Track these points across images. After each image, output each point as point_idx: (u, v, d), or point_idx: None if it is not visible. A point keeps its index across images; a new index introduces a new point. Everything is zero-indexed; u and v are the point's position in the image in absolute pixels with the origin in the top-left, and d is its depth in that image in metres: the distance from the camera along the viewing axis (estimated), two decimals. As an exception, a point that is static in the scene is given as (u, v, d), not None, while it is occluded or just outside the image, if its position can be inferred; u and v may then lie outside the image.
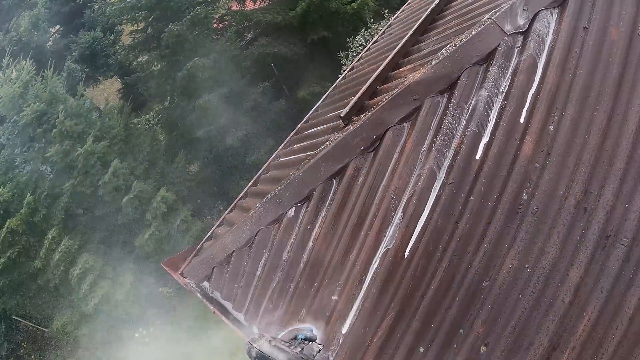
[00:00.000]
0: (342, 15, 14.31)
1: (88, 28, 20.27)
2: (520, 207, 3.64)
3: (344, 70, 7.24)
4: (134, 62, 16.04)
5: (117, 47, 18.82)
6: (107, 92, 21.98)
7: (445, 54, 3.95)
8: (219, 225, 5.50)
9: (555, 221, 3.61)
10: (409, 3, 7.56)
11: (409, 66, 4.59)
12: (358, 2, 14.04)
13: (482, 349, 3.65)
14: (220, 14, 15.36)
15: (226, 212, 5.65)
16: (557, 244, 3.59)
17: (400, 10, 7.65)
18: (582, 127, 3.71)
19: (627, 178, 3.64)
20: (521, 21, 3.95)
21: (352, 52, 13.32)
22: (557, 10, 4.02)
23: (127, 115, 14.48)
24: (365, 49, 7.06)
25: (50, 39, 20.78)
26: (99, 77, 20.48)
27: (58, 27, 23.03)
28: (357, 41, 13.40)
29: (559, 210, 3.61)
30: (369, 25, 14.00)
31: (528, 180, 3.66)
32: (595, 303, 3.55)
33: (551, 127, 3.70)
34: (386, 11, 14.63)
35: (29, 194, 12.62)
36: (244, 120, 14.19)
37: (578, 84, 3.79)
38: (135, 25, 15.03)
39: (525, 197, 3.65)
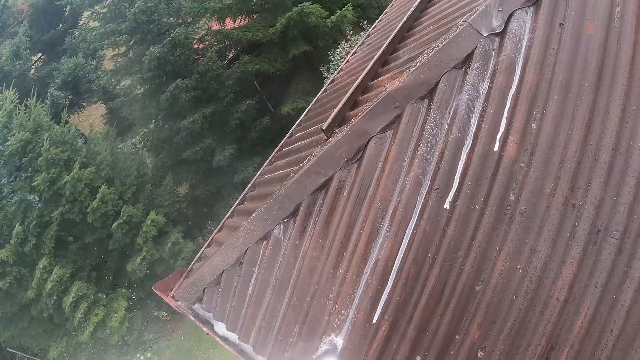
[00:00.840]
0: (322, 29, 14.37)
1: (70, 54, 20.32)
2: (508, 207, 3.62)
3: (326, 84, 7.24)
4: (117, 87, 16.06)
5: (100, 73, 18.89)
6: (91, 117, 21.97)
7: (423, 60, 3.94)
8: (208, 246, 5.45)
9: (544, 219, 3.58)
10: (386, 12, 7.59)
11: (388, 74, 4.57)
12: (337, 15, 14.11)
13: (480, 354, 3.61)
14: (200, 35, 15.42)
15: (214, 232, 5.61)
16: (548, 242, 3.56)
17: (378, 20, 7.68)
18: (564, 123, 3.69)
19: (614, 170, 3.62)
20: (496, 22, 3.95)
21: (334, 64, 13.39)
22: (532, 9, 4.02)
23: (113, 140, 14.48)
24: (345, 60, 7.07)
25: (33, 67, 20.78)
26: (83, 103, 20.51)
27: (40, 54, 23.08)
28: (337, 54, 13.48)
29: (547, 209, 3.59)
30: (349, 37, 14.08)
31: (514, 181, 3.63)
32: (591, 299, 3.52)
33: (533, 125, 3.68)
34: (365, 22, 14.70)
35: (17, 224, 12.51)
36: (229, 139, 14.23)
37: (557, 80, 3.77)
38: (117, 49, 15.05)
39: (512, 197, 3.62)
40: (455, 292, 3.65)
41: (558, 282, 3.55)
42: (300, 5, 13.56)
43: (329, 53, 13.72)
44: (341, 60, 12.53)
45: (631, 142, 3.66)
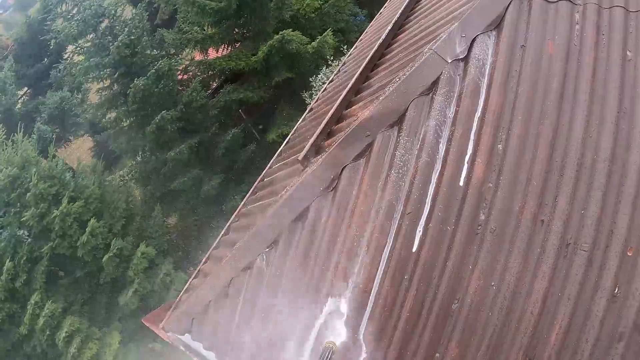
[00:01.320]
0: (303, 55, 14.53)
1: (55, 88, 20.39)
2: (479, 227, 3.74)
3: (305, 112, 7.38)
4: (103, 120, 16.10)
5: (86, 106, 18.94)
6: (79, 151, 21.97)
7: (392, 89, 4.09)
8: (196, 277, 5.54)
9: (515, 237, 3.71)
10: (361, 39, 7.76)
11: (360, 103, 4.73)
12: (317, 41, 14.29)
13: (460, 370, 3.71)
14: (184, 65, 15.55)
15: (201, 263, 5.70)
16: (519, 258, 3.69)
17: (354, 47, 7.84)
18: (529, 142, 3.83)
19: (580, 185, 3.76)
20: (460, 48, 4.10)
21: (316, 90, 13.51)
22: (494, 33, 4.18)
23: (100, 173, 14.48)
24: (322, 89, 7.22)
25: (19, 101, 20.81)
26: (70, 137, 20.51)
27: (26, 89, 23.14)
28: (319, 79, 13.60)
29: (516, 226, 3.72)
30: (330, 62, 14.25)
31: (483, 201, 3.77)
32: (565, 311, 3.64)
33: (500, 146, 3.82)
34: (345, 47, 14.90)
35: (8, 260, 12.41)
36: (217, 168, 14.31)
37: (521, 101, 3.92)
38: (102, 82, 15.14)
39: (482, 217, 3.75)
40: (432, 312, 3.77)
41: (531, 297, 3.67)
42: (281, 32, 13.74)
43: (310, 79, 13.86)
44: (322, 85, 12.75)
45: (595, 156, 3.80)
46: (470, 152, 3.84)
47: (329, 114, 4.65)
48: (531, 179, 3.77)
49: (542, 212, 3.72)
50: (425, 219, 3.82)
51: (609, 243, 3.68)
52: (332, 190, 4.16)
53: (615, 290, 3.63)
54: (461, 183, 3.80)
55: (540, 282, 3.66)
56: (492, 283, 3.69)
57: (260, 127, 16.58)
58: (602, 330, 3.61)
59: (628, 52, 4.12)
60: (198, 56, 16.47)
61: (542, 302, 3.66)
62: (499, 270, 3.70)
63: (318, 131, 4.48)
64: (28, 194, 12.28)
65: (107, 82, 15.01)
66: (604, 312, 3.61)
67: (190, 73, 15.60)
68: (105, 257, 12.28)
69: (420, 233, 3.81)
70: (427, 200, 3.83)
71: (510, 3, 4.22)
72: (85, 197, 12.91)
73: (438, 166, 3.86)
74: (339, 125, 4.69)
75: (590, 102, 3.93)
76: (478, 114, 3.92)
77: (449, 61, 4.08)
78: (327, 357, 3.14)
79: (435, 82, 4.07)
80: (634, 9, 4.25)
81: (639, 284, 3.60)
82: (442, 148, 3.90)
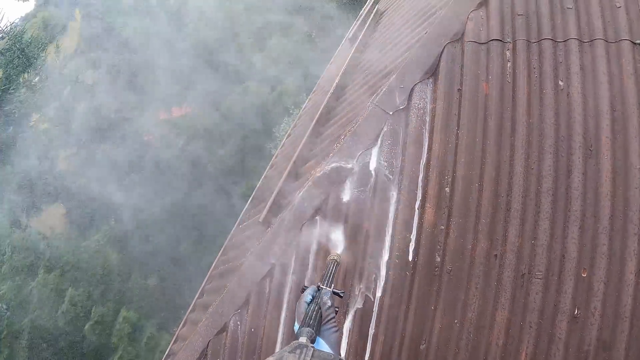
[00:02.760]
0: (265, 107, 14.75)
1: (23, 157, 20.31)
2: (436, 269, 3.91)
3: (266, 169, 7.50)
4: (74, 185, 16.10)
5: (55, 173, 18.89)
6: (52, 218, 21.74)
7: (340, 145, 4.28)
8: (175, 342, 5.60)
9: (471, 274, 3.88)
10: (314, 91, 7.96)
11: (313, 160, 4.91)
12: (277, 90, 14.57)
13: (434, 410, 3.83)
14: (148, 126, 15.66)
15: (179, 328, 5.76)
16: (478, 293, 3.85)
17: (308, 99, 8.04)
18: (474, 182, 4.03)
19: (527, 217, 3.94)
20: (400, 99, 4.32)
21: (279, 140, 13.65)
22: (430, 80, 4.41)
23: (75, 240, 14.45)
24: (281, 144, 7.39)
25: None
26: (42, 205, 20.39)
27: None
28: (282, 129, 13.82)
29: (471, 263, 3.89)
30: (291, 112, 14.51)
31: (437, 244, 3.94)
32: (528, 338, 3.79)
33: (447, 189, 4.02)
34: (305, 94, 15.17)
35: (-13, 337, 12.31)
36: (191, 225, 14.36)
37: (462, 143, 4.12)
38: (68, 150, 15.22)
39: (438, 259, 3.92)
40: (402, 355, 3.90)
41: (494, 329, 3.82)
42: (241, 86, 14.00)
43: (274, 130, 14.10)
44: (284, 134, 12.90)
45: (539, 186, 3.99)
46: (420, 198, 4.02)
47: (285, 174, 4.82)
48: (480, 217, 3.95)
49: (494, 247, 3.90)
50: (384, 269, 3.98)
51: (562, 268, 3.84)
52: (293, 248, 4.31)
53: (575, 311, 3.78)
54: (414, 229, 3.97)
55: (501, 313, 3.81)
56: (455, 320, 3.84)
57: (230, 181, 16.69)
58: (567, 352, 3.75)
59: (560, 82, 4.33)
60: (163, 115, 16.65)
61: (505, 332, 3.80)
62: (460, 307, 3.85)
63: (275, 191, 4.64)
64: (3, 267, 12.24)
65: (74, 149, 15.11)
66: (567, 334, 3.76)
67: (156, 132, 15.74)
68: (87, 325, 12.21)
69: (382, 283, 3.97)
70: (384, 249, 3.99)
71: (443, 50, 4.46)
72: (61, 265, 12.87)
73: (392, 215, 4.04)
74: (296, 183, 4.86)
75: (528, 136, 4.13)
76: (423, 160, 4.11)
77: (391, 113, 4.28)
78: (333, 268, 3.14)
79: (379, 135, 4.26)
80: (561, 39, 4.47)
81: (597, 302, 3.76)
82: (393, 197, 4.08)
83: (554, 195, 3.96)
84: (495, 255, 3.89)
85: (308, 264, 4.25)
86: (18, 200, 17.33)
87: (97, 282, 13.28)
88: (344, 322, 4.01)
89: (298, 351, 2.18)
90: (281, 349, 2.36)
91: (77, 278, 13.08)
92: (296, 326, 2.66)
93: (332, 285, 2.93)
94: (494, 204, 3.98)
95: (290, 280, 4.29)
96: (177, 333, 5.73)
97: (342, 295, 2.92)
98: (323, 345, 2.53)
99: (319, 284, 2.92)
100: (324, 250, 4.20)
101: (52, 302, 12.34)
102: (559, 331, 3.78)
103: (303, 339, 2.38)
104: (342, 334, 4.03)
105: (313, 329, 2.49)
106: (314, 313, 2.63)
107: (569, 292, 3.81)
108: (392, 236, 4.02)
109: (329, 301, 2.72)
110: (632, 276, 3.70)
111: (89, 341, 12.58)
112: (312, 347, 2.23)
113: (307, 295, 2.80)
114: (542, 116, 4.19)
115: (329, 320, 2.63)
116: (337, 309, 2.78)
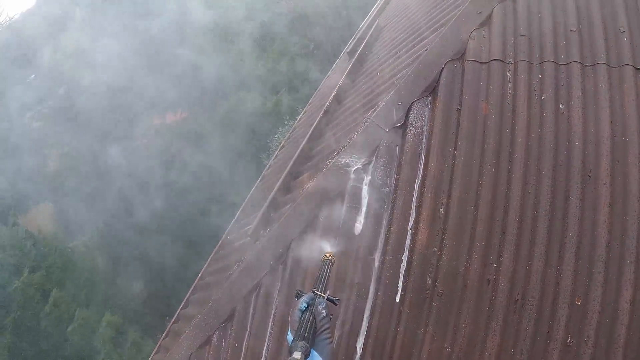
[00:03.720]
0: (260, 117, 14.71)
1: (14, 154, 20.18)
2: (427, 292, 3.82)
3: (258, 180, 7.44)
4: (65, 185, 16.01)
5: (46, 172, 18.75)
6: (40, 217, 21.57)
7: (334, 161, 4.20)
8: (157, 352, 5.49)
9: (462, 298, 3.79)
10: (310, 103, 7.91)
11: (307, 174, 4.83)
12: (273, 101, 14.54)
13: None
14: (142, 130, 15.61)
15: (162, 338, 5.66)
16: (469, 318, 3.76)
17: (303, 112, 7.99)
18: (469, 204, 3.95)
19: (522, 242, 3.86)
20: (397, 116, 4.26)
21: (273, 151, 13.60)
22: (429, 98, 4.35)
23: (62, 240, 14.31)
24: (274, 156, 7.32)
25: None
26: (31, 203, 20.22)
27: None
28: (276, 139, 13.77)
29: (463, 287, 3.80)
30: (285, 122, 14.47)
31: (429, 265, 3.85)
32: (519, 365, 3.71)
33: (441, 210, 3.94)
34: (300, 107, 15.14)
35: (-31, 334, 12.12)
36: (180, 233, 14.27)
37: (459, 164, 4.05)
38: (60, 149, 15.11)
39: (429, 281, 3.83)
40: (390, 379, 3.80)
41: (484, 355, 3.72)
42: (237, 94, 13.96)
43: (268, 140, 14.05)
44: (278, 145, 12.85)
45: (535, 211, 3.92)
46: (413, 218, 3.94)
47: (277, 186, 4.74)
48: (474, 240, 3.87)
49: (488, 271, 3.82)
50: (373, 288, 3.88)
51: (557, 295, 3.76)
52: (281, 264, 4.22)
53: (567, 339, 3.70)
54: (406, 250, 3.89)
55: (492, 339, 3.72)
56: (445, 345, 3.75)
57: (221, 191, 16.62)
58: (558, 382, 3.66)
59: (560, 106, 4.28)
60: (156, 120, 16.59)
61: (496, 359, 3.71)
62: (450, 331, 3.76)
63: (266, 205, 4.56)
64: (-13, 264, 12.12)
65: (66, 149, 15.02)
66: (558, 363, 3.66)
67: (150, 137, 15.67)
68: (70, 327, 12.05)
69: (371, 304, 3.87)
70: (374, 269, 3.91)
71: (443, 68, 4.40)
72: (47, 266, 12.72)
73: (383, 235, 3.95)
74: (288, 196, 4.78)
75: (526, 159, 4.06)
76: (418, 180, 4.04)
77: (387, 130, 4.21)
78: (327, 269, 3.07)
79: (374, 152, 4.19)
80: (563, 62, 4.42)
81: (591, 331, 3.68)
82: (385, 216, 4.00)
83: (550, 220, 3.89)
84: (489, 280, 3.81)
85: (296, 280, 4.15)
86: (7, 196, 17.17)
87: (82, 284, 13.15)
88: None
89: None
90: None
91: (62, 279, 12.94)
92: (289, 336, 2.59)
93: (327, 290, 2.86)
94: (489, 227, 3.90)
95: (276, 296, 4.20)
96: (159, 343, 5.63)
97: (337, 302, 2.85)
98: (316, 358, 2.46)
99: (314, 289, 2.84)
100: (312, 267, 4.11)
101: (35, 303, 12.19)
102: (551, 359, 3.69)
103: (297, 355, 2.30)
104: (334, 345, 3.95)
105: (307, 342, 2.40)
106: (308, 324, 2.54)
107: (562, 320, 3.73)
108: (383, 255, 3.92)
109: (323, 311, 2.65)
110: (627, 305, 3.63)
111: (72, 344, 12.42)
112: None
113: (302, 303, 2.72)
114: (542, 140, 4.13)
115: (323, 331, 2.56)
116: (331, 317, 2.71)
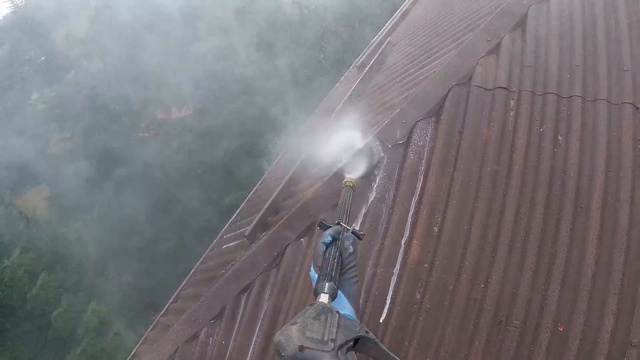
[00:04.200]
0: (264, 120, 14.77)
1: (17, 134, 20.23)
2: (415, 306, 3.92)
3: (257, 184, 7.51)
4: (62, 170, 16.02)
5: (46, 155, 18.81)
6: (35, 200, 21.57)
7: (334, 171, 4.31)
8: (143, 343, 5.56)
9: (449, 315, 3.88)
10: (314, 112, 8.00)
11: (307, 181, 4.94)
12: (278, 106, 14.61)
13: None
14: (146, 123, 15.66)
15: (148, 329, 5.74)
16: (453, 335, 3.85)
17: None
18: (463, 225, 4.05)
19: (510, 265, 3.95)
20: (400, 133, 4.37)
21: (274, 156, 13.64)
22: (433, 119, 4.46)
23: (56, 225, 14.33)
24: (275, 161, 7.41)
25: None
26: (28, 185, 20.26)
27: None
28: (278, 145, 13.81)
29: (450, 305, 3.89)
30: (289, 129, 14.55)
31: (419, 281, 3.95)
32: (499, 386, 3.80)
33: (435, 228, 4.04)
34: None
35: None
36: (173, 228, 14.31)
37: (456, 185, 4.15)
38: (62, 134, 15.16)
39: (418, 296, 3.93)
40: (372, 389, 3.88)
41: (466, 372, 3.83)
42: (243, 97, 14.04)
43: (269, 145, 14.12)
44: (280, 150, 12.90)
45: (526, 237, 4.02)
46: (407, 234, 4.04)
47: (277, 191, 4.84)
48: (465, 259, 3.97)
49: (475, 291, 3.91)
50: (363, 297, 3.98)
51: (540, 320, 3.85)
52: (275, 267, 4.32)
53: (547, 364, 3.81)
54: (398, 263, 3.99)
55: (474, 357, 3.81)
56: (427, 359, 3.84)
57: (218, 190, 16.69)
58: (538, 405, 3.75)
59: (559, 137, 4.39)
60: (161, 115, 16.67)
61: (476, 377, 3.81)
62: (434, 346, 3.84)
63: (264, 208, 4.66)
64: (-21, 241, 12.12)
65: (68, 135, 15.04)
66: (538, 386, 3.76)
67: (152, 131, 15.73)
68: (55, 312, 12.06)
69: (359, 311, 3.97)
70: (364, 280, 4.00)
71: (449, 91, 4.51)
72: (38, 248, 12.74)
73: (377, 247, 4.05)
74: (287, 202, 4.88)
75: (521, 186, 4.17)
76: (415, 197, 4.14)
77: (389, 146, 4.32)
78: (349, 197, 2.88)
79: (375, 167, 4.30)
80: (565, 95, 4.54)
81: (571, 357, 3.76)
82: (381, 230, 4.10)
83: (539, 247, 3.99)
84: (475, 299, 3.90)
85: (288, 284, 4.24)
86: (4, 175, 17.18)
87: (71, 270, 13.16)
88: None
89: (323, 317, 1.91)
90: (304, 310, 2.15)
91: (51, 263, 12.96)
92: (312, 272, 2.33)
93: (352, 223, 2.61)
94: (480, 248, 4.00)
95: (267, 298, 4.29)
96: (146, 334, 5.70)
97: (362, 237, 2.55)
98: (342, 298, 2.21)
99: (339, 220, 2.56)
100: (305, 271, 4.20)
101: (23, 284, 12.19)
102: (531, 382, 3.79)
103: (325, 297, 2.09)
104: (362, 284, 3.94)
105: (335, 283, 2.17)
106: (335, 261, 2.29)
107: (543, 344, 3.82)
108: (375, 268, 4.02)
109: (351, 247, 2.40)
110: (607, 335, 3.72)
111: (55, 328, 12.43)
112: (337, 312, 1.97)
113: (327, 236, 2.43)
114: (538, 169, 4.24)
115: (349, 269, 2.32)
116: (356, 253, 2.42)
